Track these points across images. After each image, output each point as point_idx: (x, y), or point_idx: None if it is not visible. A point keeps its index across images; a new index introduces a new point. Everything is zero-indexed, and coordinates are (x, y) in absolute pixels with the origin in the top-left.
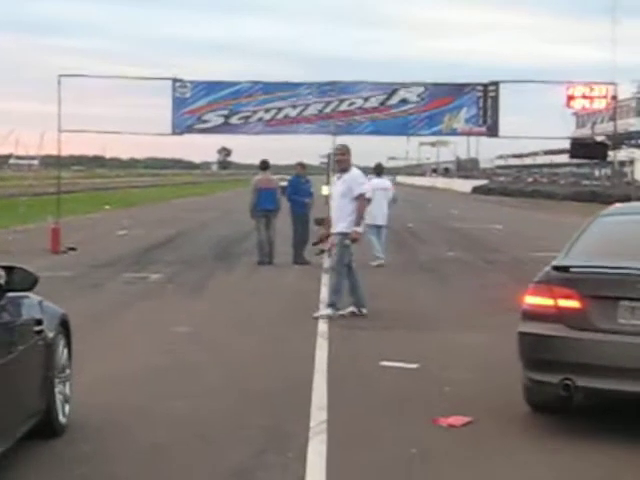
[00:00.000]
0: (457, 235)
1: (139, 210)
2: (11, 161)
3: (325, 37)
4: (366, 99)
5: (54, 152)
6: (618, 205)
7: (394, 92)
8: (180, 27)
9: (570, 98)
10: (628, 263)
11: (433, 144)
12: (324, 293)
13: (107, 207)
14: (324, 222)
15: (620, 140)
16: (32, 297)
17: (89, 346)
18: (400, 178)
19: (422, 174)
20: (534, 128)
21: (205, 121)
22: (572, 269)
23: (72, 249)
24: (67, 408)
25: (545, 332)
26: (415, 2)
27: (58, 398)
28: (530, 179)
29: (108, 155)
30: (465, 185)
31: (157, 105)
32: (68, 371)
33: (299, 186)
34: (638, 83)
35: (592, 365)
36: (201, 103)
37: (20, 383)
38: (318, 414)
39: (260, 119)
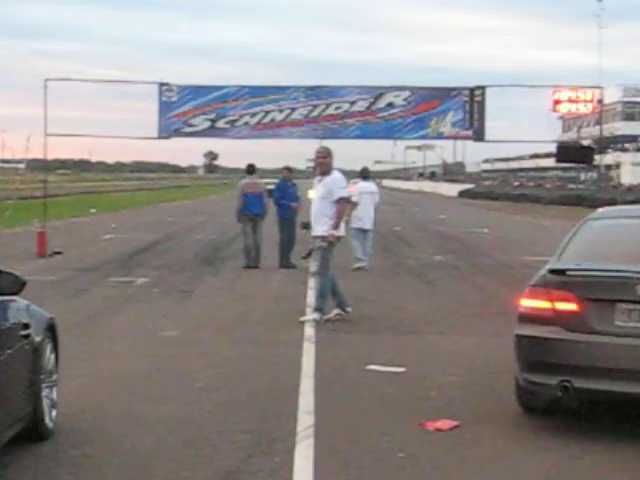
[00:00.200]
0: (444, 239)
1: (125, 214)
2: None
3: (312, 41)
4: (353, 103)
5: (40, 156)
6: (605, 209)
7: (381, 96)
8: (166, 31)
9: (556, 102)
10: (624, 266)
11: (419, 148)
12: (310, 297)
13: (93, 211)
14: (310, 226)
15: (606, 144)
16: (19, 301)
17: (75, 350)
18: (387, 182)
19: (409, 178)
20: (520, 132)
21: (192, 125)
22: (569, 272)
23: (58, 253)
24: (54, 413)
25: (543, 334)
26: (403, 6)
27: (45, 402)
28: (516, 183)
29: (94, 159)
30: (451, 189)
31: (144, 109)
32: (55, 376)
33: (286, 190)
34: (624, 87)
35: (590, 367)
36: (188, 107)
37: (6, 387)
38: (305, 418)
39: (247, 123)
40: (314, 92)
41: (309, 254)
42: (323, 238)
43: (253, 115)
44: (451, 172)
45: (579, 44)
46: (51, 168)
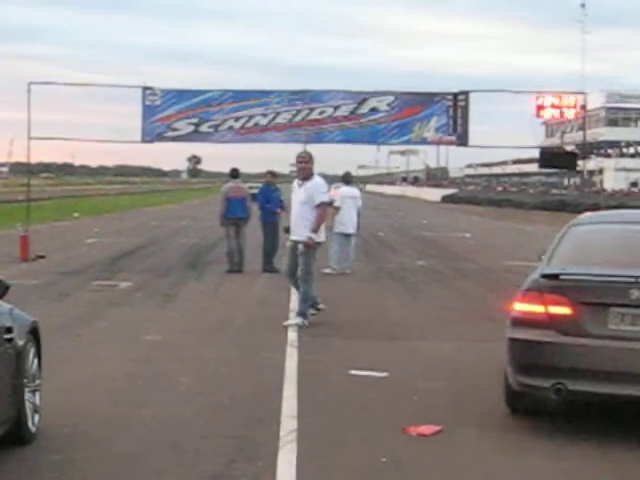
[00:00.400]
0: (426, 243)
1: (108, 218)
2: None
3: (296, 46)
4: (336, 108)
5: (24, 159)
6: (588, 214)
7: (364, 101)
8: (149, 35)
9: (540, 108)
10: (617, 271)
11: (403, 153)
12: (294, 301)
13: (76, 215)
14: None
15: (589, 149)
16: (2, 305)
17: (58, 354)
18: (370, 187)
19: (392, 183)
20: (504, 137)
21: (175, 129)
22: (562, 276)
23: (41, 257)
24: (37, 418)
25: (537, 338)
26: (387, 12)
27: (28, 407)
28: (499, 188)
29: (77, 162)
30: (435, 194)
31: (127, 113)
32: (38, 381)
33: (270, 194)
34: (607, 93)
35: (583, 370)
36: (171, 111)
37: None
38: (288, 423)
39: (230, 127)
40: (298, 96)
41: (287, 230)
42: (304, 243)
43: (237, 119)
44: (434, 177)
45: (562, 49)
46: (34, 172)
